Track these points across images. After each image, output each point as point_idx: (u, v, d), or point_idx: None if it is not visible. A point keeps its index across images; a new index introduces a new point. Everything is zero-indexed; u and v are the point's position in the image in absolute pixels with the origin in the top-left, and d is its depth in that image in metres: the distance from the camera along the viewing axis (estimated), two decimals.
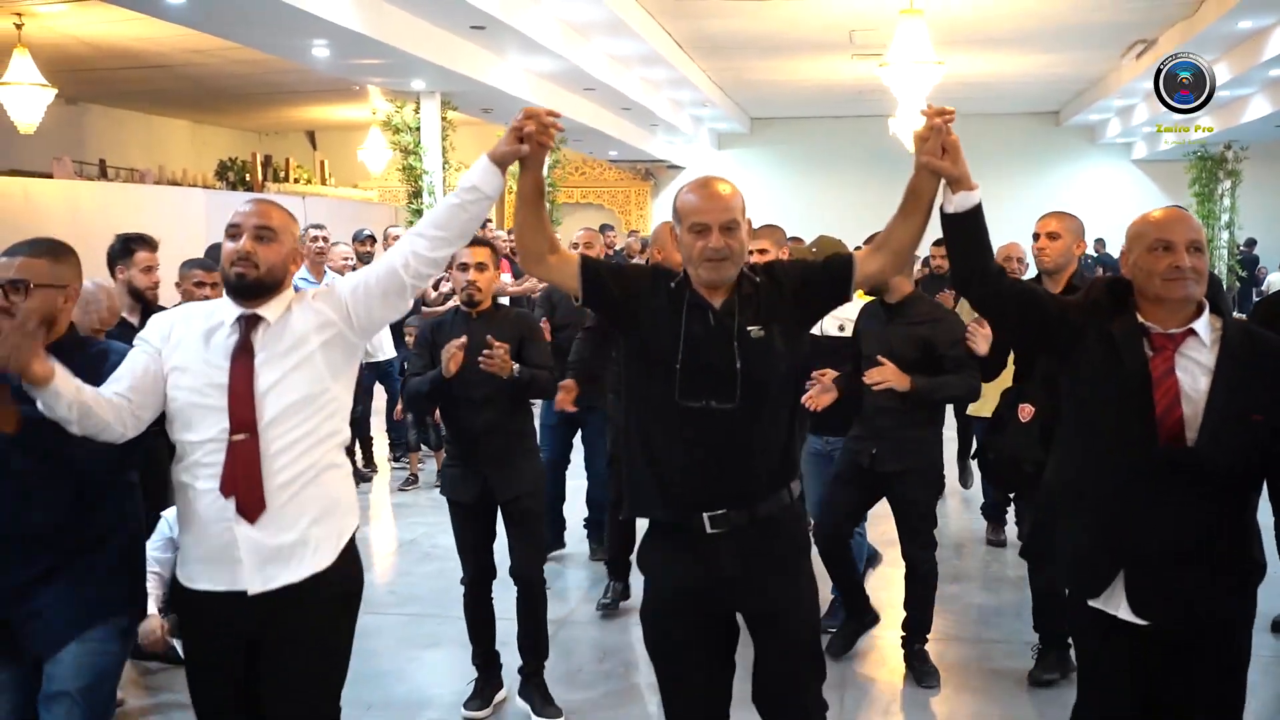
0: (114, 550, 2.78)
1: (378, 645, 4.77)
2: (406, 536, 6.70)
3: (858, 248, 7.09)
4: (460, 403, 4.04)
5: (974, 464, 6.83)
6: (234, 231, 2.65)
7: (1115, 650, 2.72)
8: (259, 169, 17.42)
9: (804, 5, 11.15)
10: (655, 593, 2.91)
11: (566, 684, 4.37)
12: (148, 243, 4.69)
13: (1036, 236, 4.31)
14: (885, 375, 4.12)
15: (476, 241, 3.93)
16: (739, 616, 2.90)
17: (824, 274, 2.86)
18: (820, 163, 20.79)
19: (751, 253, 4.36)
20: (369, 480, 8.02)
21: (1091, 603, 2.72)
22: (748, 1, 10.93)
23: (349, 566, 2.75)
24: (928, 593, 4.53)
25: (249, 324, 2.63)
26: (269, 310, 2.64)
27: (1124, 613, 2.66)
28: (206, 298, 4.88)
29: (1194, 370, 2.61)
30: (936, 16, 10.82)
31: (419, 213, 11.62)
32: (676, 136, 19.04)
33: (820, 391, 4.26)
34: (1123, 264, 2.73)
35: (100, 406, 2.51)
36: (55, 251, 2.72)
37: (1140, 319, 2.67)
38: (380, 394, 8.21)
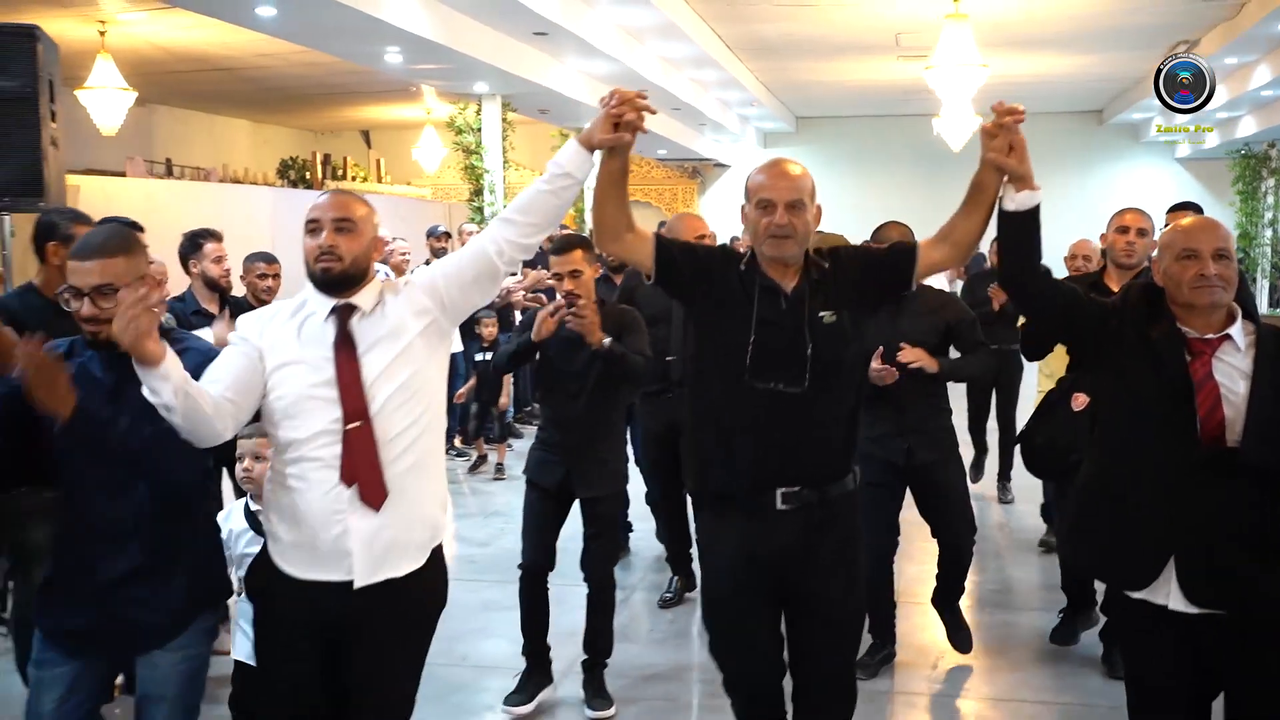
0: (199, 550, 2.77)
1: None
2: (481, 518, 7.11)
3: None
4: (556, 390, 4.14)
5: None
6: (314, 226, 2.62)
7: (1164, 642, 2.71)
8: (318, 167, 17.97)
9: (851, 9, 11.46)
10: (715, 563, 2.98)
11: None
12: (213, 235, 5.01)
13: (1125, 230, 4.30)
14: (919, 356, 4.10)
15: (568, 247, 3.98)
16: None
17: (889, 262, 2.91)
18: (864, 161, 21.04)
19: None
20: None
21: (1136, 595, 2.73)
22: (797, 6, 11.28)
23: (440, 564, 2.78)
24: (967, 566, 4.57)
25: (344, 313, 2.61)
26: (361, 299, 2.62)
27: (1175, 602, 2.66)
28: (270, 289, 5.20)
29: (1232, 374, 2.64)
30: (981, 19, 11.09)
31: (480, 210, 12.08)
32: (723, 135, 19.37)
33: (881, 371, 4.13)
34: (1155, 272, 2.78)
35: (204, 400, 2.47)
36: (126, 245, 2.62)
37: (1178, 325, 2.70)
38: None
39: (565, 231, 4.96)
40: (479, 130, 12.10)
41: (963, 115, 12.35)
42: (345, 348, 2.59)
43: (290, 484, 2.61)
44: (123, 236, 2.67)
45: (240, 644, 3.38)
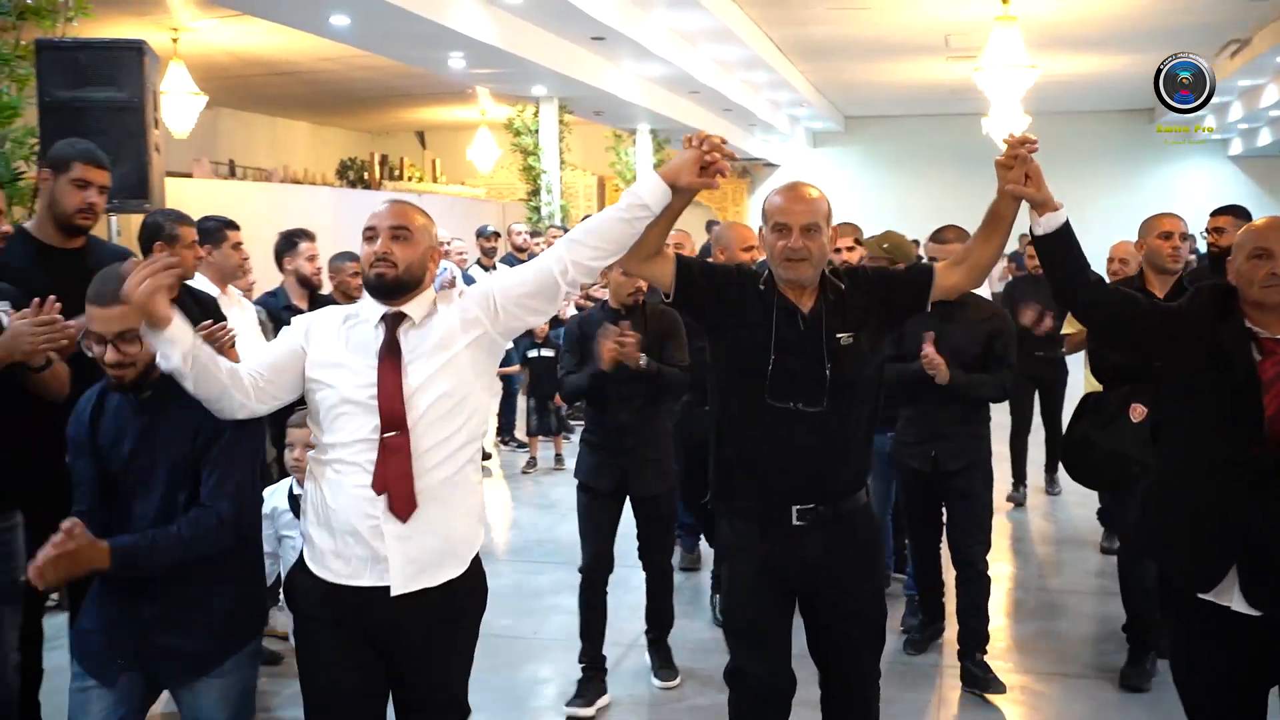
0: (241, 575, 2.76)
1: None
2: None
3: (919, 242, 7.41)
4: (605, 397, 4.16)
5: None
6: (370, 234, 2.62)
7: (1227, 643, 2.72)
8: (376, 168, 18.40)
9: (901, 11, 11.66)
10: (734, 573, 3.01)
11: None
12: (307, 234, 5.25)
13: (1169, 235, 4.28)
14: (937, 365, 4.11)
15: None
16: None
17: (906, 283, 2.97)
18: (913, 160, 21.14)
19: (839, 250, 4.75)
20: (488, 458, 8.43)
21: (1202, 596, 2.72)
22: (849, 10, 11.49)
23: (479, 571, 2.77)
24: (985, 596, 4.38)
25: (394, 322, 2.61)
26: (413, 308, 2.62)
27: (1238, 604, 2.65)
28: (360, 287, 5.51)
29: None
30: (1030, 21, 11.23)
31: (537, 210, 12.41)
32: (773, 135, 19.60)
33: (934, 365, 4.16)
34: (1229, 271, 2.76)
35: (218, 369, 2.50)
36: None
37: (1248, 324, 2.69)
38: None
39: None
40: (536, 132, 12.43)
41: (1012, 114, 12.48)
42: (390, 356, 2.57)
43: (326, 487, 2.61)
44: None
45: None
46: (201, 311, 3.70)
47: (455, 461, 2.63)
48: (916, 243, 6.90)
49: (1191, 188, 20.33)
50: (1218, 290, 2.77)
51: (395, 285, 2.59)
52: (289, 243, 5.17)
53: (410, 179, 18.65)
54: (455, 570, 2.66)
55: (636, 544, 4.36)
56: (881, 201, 19.53)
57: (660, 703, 4.28)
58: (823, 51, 14.14)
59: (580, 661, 4.23)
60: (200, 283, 4.33)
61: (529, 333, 7.90)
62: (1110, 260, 5.80)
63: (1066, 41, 13.15)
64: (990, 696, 4.25)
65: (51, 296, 2.86)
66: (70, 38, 5.05)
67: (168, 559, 2.55)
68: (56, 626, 4.02)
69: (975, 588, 4.34)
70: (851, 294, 2.88)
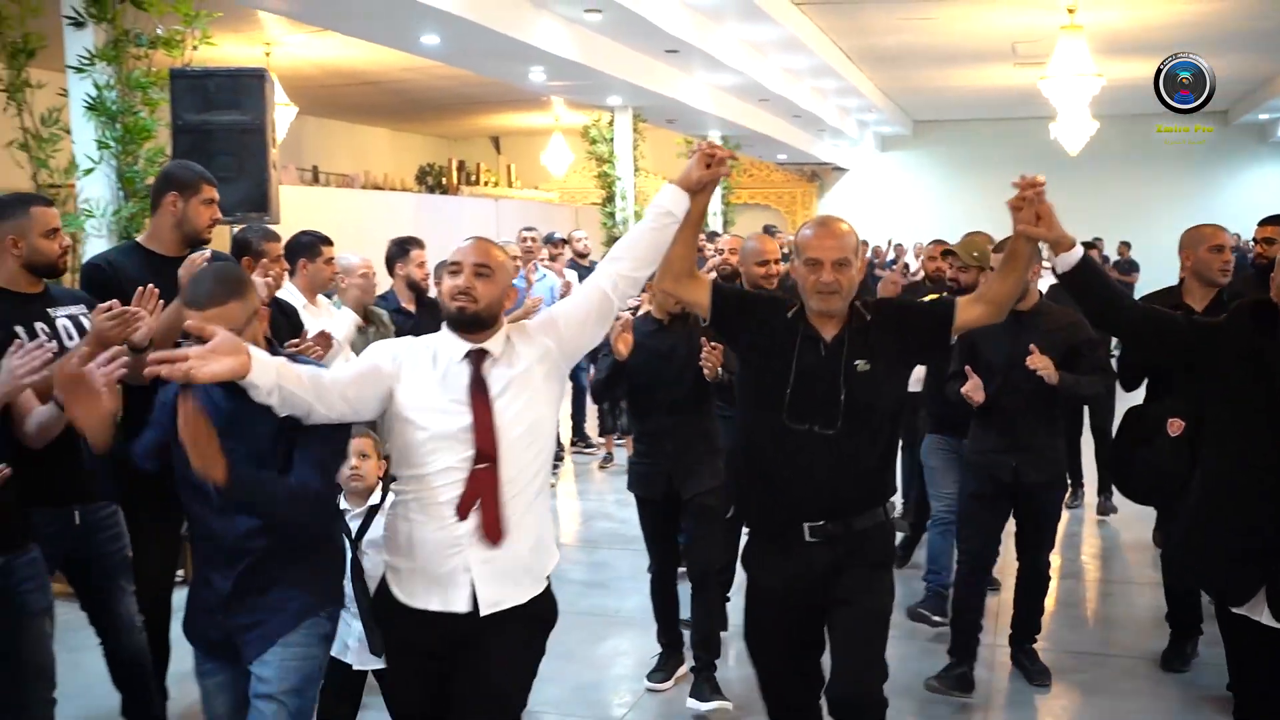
0: (317, 555, 2.85)
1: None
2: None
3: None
4: (648, 404, 4.29)
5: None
6: (455, 268, 2.72)
7: (1262, 655, 2.76)
8: (454, 173, 18.96)
9: (969, 20, 11.86)
10: (755, 588, 3.18)
11: None
12: (418, 243, 5.51)
13: (1221, 249, 4.26)
14: (1047, 365, 4.07)
15: None
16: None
17: (928, 317, 3.10)
18: (981, 164, 21.14)
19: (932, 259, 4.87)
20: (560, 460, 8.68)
21: (1236, 610, 2.78)
22: (917, 20, 11.74)
23: (550, 592, 2.86)
24: (1044, 593, 4.54)
25: (478, 358, 2.71)
26: (493, 344, 2.72)
27: (1266, 618, 2.71)
28: None
29: None
30: (1097, 28, 11.39)
31: (612, 215, 12.84)
32: (841, 140, 19.80)
33: (974, 389, 4.20)
34: (1272, 286, 2.78)
35: (304, 390, 2.56)
36: (234, 288, 2.70)
37: None
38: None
39: None
40: (611, 140, 12.86)
41: (1080, 119, 12.62)
42: (479, 393, 2.68)
43: (413, 516, 2.70)
44: (232, 280, 2.73)
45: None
46: (287, 322, 4.12)
47: (534, 486, 2.76)
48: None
49: (1268, 190, 20.16)
50: (1259, 305, 2.80)
51: (474, 320, 2.69)
52: (401, 250, 5.38)
53: (486, 184, 19.17)
54: (535, 589, 2.78)
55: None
56: (949, 205, 19.68)
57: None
58: (891, 59, 14.37)
59: (659, 641, 4.50)
60: (288, 293, 4.64)
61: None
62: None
63: (1135, 48, 13.21)
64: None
65: (151, 285, 3.27)
66: (200, 67, 5.54)
67: (270, 501, 2.62)
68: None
69: (1036, 586, 4.48)
70: (875, 324, 2.99)
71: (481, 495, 2.66)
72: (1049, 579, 4.55)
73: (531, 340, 2.77)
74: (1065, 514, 6.60)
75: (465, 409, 2.66)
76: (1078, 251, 2.84)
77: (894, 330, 3.01)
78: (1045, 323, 4.23)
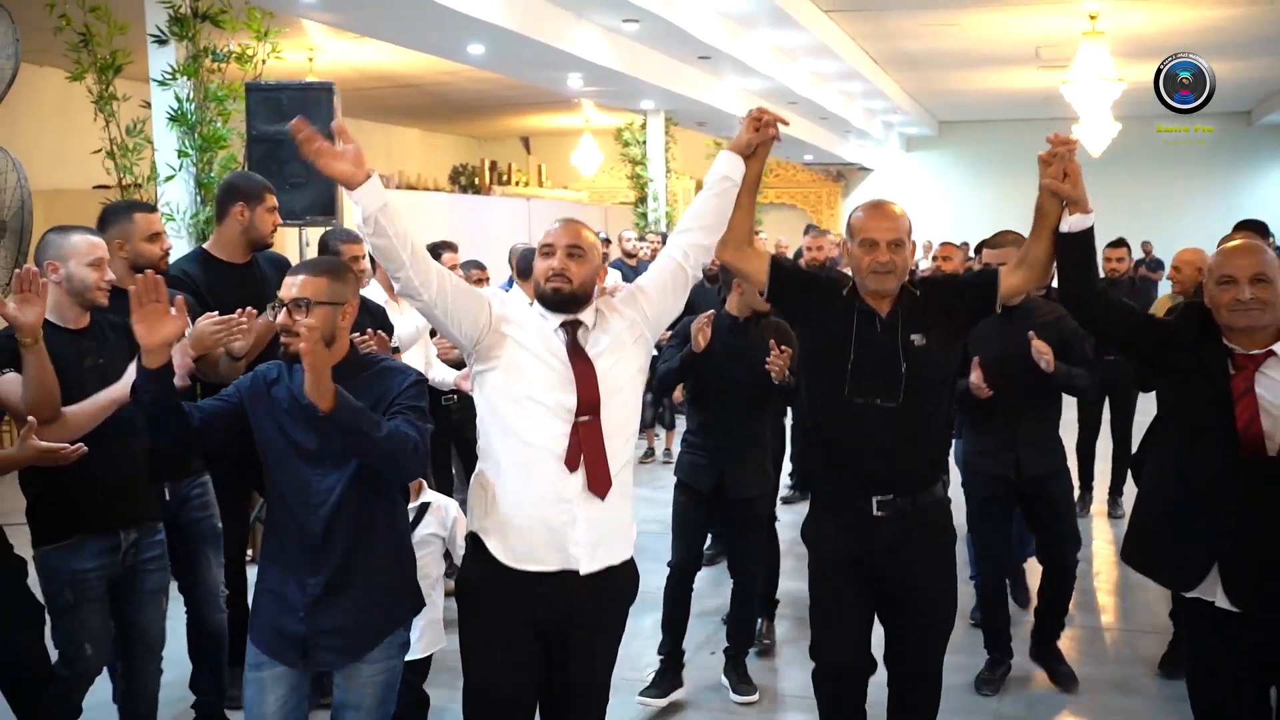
0: (393, 564, 2.85)
1: None
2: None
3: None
4: (709, 398, 4.28)
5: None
6: (548, 250, 2.79)
7: (1218, 638, 2.82)
8: (486, 173, 19.34)
9: (993, 26, 12.09)
10: (819, 560, 3.22)
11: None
12: (450, 246, 5.96)
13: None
14: (1047, 351, 4.09)
15: None
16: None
17: (974, 288, 3.16)
18: (1006, 164, 21.24)
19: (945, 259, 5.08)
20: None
21: (1189, 594, 2.86)
22: (942, 26, 12.04)
23: (632, 559, 2.91)
24: (1070, 591, 4.53)
25: (573, 327, 2.78)
26: (585, 316, 2.80)
27: (1221, 600, 2.77)
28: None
29: (1274, 388, 2.73)
30: (1120, 32, 11.61)
31: (644, 216, 13.20)
32: (867, 141, 20.01)
33: (981, 381, 4.17)
34: (1205, 293, 2.87)
35: (404, 232, 2.60)
36: (334, 271, 2.79)
37: (1225, 342, 2.81)
38: None
39: None
40: (644, 143, 13.23)
41: (1101, 122, 12.87)
42: (578, 352, 2.76)
43: (518, 473, 2.72)
44: (333, 263, 2.91)
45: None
46: (371, 320, 4.22)
47: (627, 449, 2.82)
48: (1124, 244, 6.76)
49: None
50: (1204, 308, 2.87)
51: (570, 299, 2.76)
52: (434, 253, 5.86)
53: (518, 184, 19.52)
54: (626, 552, 2.85)
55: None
56: (975, 204, 19.92)
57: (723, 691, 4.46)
58: (916, 63, 14.64)
59: (660, 653, 4.37)
60: (373, 291, 4.93)
61: None
62: (1176, 269, 5.56)
63: (1157, 51, 13.28)
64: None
65: (251, 309, 3.47)
66: (273, 81, 5.93)
67: (372, 438, 2.58)
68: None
69: (1062, 584, 4.48)
70: (925, 300, 3.08)
71: (586, 447, 2.70)
72: (1074, 576, 4.52)
73: (619, 312, 2.86)
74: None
75: (565, 364, 2.72)
76: (1090, 218, 2.90)
77: (943, 304, 3.09)
78: (1035, 317, 4.24)
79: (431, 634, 3.78)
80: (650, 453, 8.92)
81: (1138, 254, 17.69)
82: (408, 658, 3.04)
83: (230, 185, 4.18)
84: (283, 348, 2.72)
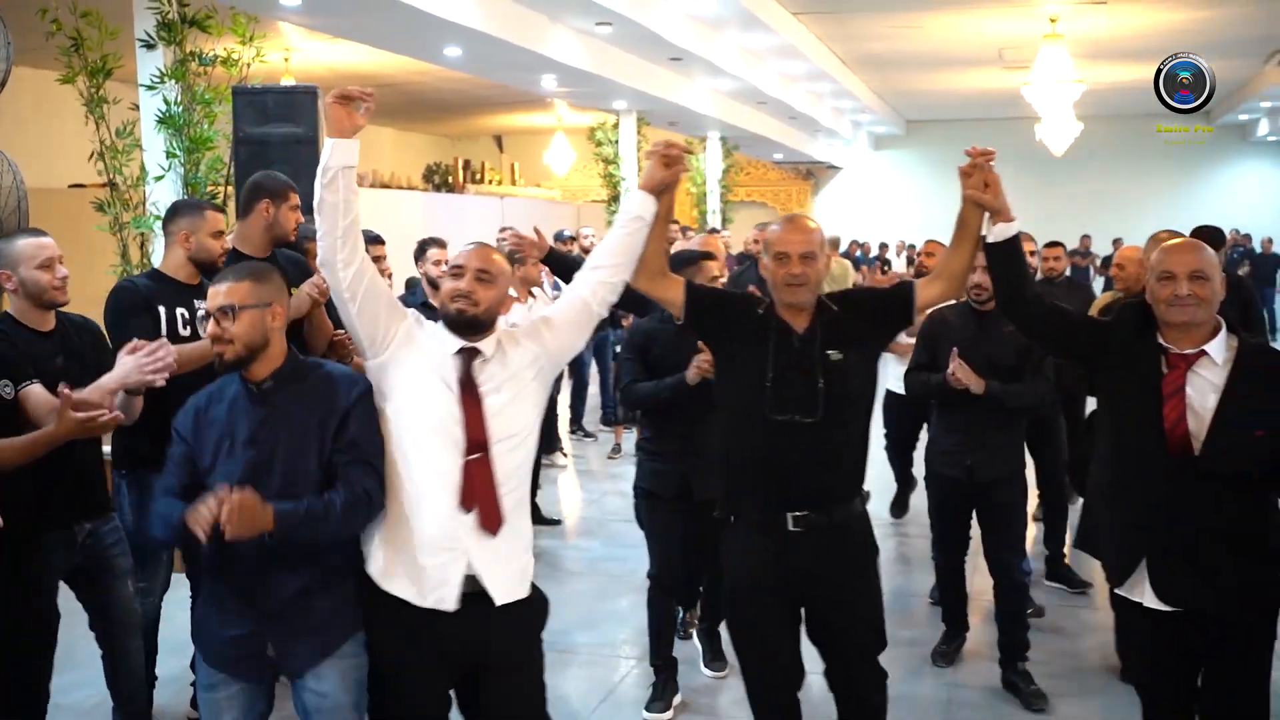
0: (350, 569, 2.79)
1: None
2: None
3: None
4: (671, 404, 4.12)
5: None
6: (458, 271, 2.76)
7: (1150, 634, 2.87)
8: (460, 172, 19.48)
9: (957, 28, 12.37)
10: (734, 580, 3.16)
11: None
12: (437, 242, 5.89)
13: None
14: (968, 377, 4.12)
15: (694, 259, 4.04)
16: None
17: (891, 301, 3.14)
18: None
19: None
20: (566, 456, 8.91)
21: (1118, 591, 2.90)
22: (906, 28, 12.32)
23: (538, 592, 2.89)
24: (1023, 605, 4.46)
25: (469, 356, 2.74)
26: (484, 345, 2.75)
27: (1149, 599, 2.81)
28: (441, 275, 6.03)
29: (1204, 388, 2.75)
30: (1080, 36, 11.96)
31: (616, 214, 13.42)
32: (836, 139, 20.30)
33: (962, 371, 4.18)
34: (1146, 290, 2.88)
35: (351, 206, 2.66)
36: (257, 273, 2.75)
37: (1160, 339, 2.82)
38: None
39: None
40: (616, 143, 13.47)
41: (1063, 122, 13.19)
42: (469, 386, 2.71)
43: (408, 512, 2.70)
44: (255, 267, 2.85)
45: None
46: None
47: (520, 489, 2.80)
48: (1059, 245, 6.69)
49: (1249, 189, 20.81)
50: (1142, 307, 2.90)
51: (473, 322, 2.73)
52: (421, 250, 5.83)
53: (491, 182, 19.68)
54: (525, 588, 2.81)
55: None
56: (941, 201, 20.05)
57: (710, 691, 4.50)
58: (883, 64, 14.93)
59: (653, 664, 4.32)
60: None
61: (620, 326, 8.19)
62: (1120, 266, 5.49)
63: (1116, 53, 13.72)
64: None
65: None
66: (259, 84, 6.11)
67: (323, 529, 2.60)
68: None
69: (1014, 597, 4.39)
70: (843, 315, 3.05)
71: (478, 485, 2.68)
72: (1025, 587, 4.48)
73: (521, 345, 2.83)
74: (1033, 526, 6.39)
75: (456, 401, 2.69)
76: (1015, 226, 2.94)
77: (862, 318, 3.09)
78: (1001, 323, 4.11)
79: None
80: (618, 449, 9.06)
81: (1104, 249, 18.15)
82: None
83: (257, 183, 4.26)
84: (217, 358, 2.68)
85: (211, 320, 2.65)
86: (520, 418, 2.78)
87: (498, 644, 2.75)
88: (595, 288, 2.93)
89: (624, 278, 2.97)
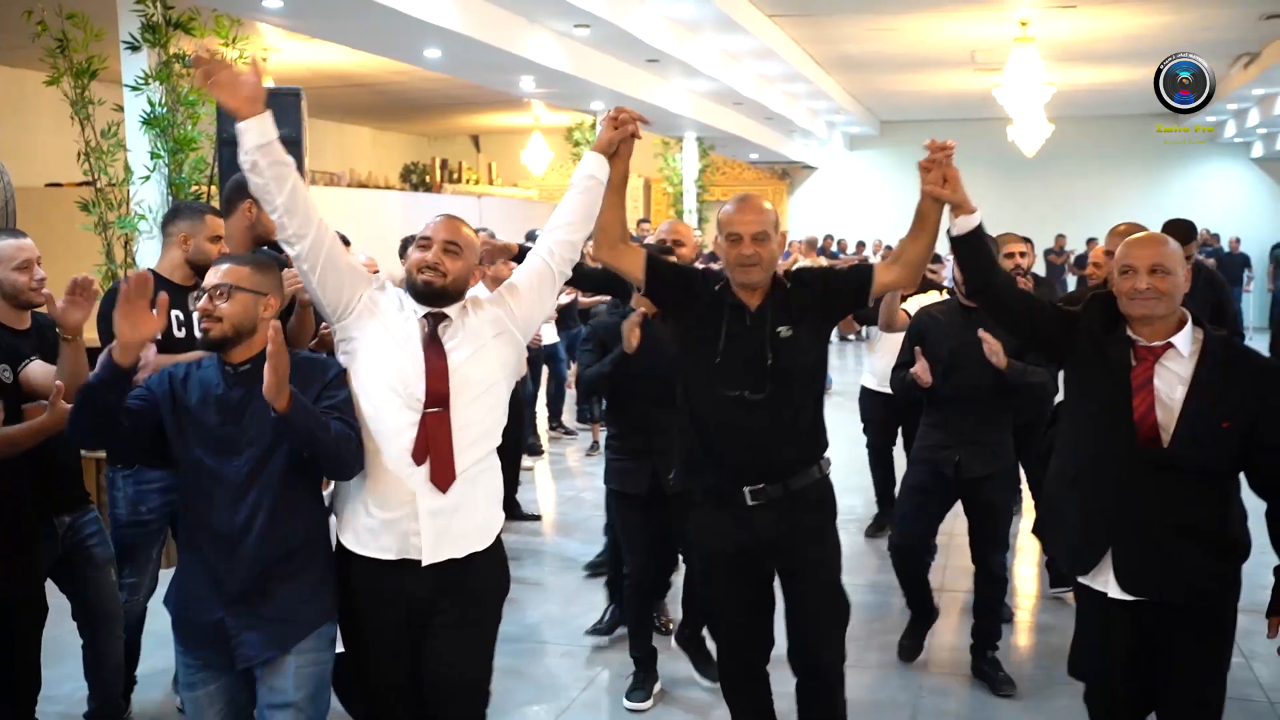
0: (316, 558, 2.79)
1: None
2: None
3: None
4: (632, 397, 4.15)
5: None
6: (425, 243, 2.80)
7: (1108, 623, 2.89)
8: (437, 171, 19.54)
9: (930, 31, 12.51)
10: (704, 553, 3.24)
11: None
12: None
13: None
14: (997, 349, 4.08)
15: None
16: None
17: (850, 280, 3.18)
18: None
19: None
20: (540, 453, 9.06)
21: (1081, 580, 2.93)
22: (881, 30, 12.47)
23: (501, 554, 2.92)
24: (1001, 597, 4.51)
25: (434, 319, 2.80)
26: (451, 311, 2.82)
27: (1113, 589, 2.84)
28: None
29: (1171, 380, 2.79)
30: (1050, 39, 12.12)
31: None
32: (811, 140, 20.44)
33: (923, 370, 4.25)
34: (1112, 285, 2.92)
35: (291, 173, 2.66)
36: (260, 264, 2.80)
37: (1128, 332, 2.86)
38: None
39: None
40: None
41: (1035, 123, 13.38)
42: (433, 343, 2.77)
43: (368, 467, 2.73)
44: (260, 258, 2.96)
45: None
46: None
47: (484, 444, 2.82)
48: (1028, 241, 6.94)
49: (1213, 191, 21.09)
50: (1110, 298, 2.92)
51: (441, 293, 2.79)
52: (403, 247, 6.22)
53: (468, 181, 19.74)
54: (479, 544, 2.81)
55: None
56: (916, 200, 20.27)
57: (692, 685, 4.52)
58: (857, 65, 15.06)
59: (633, 655, 4.34)
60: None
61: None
62: (1098, 265, 5.43)
63: (1086, 56, 13.90)
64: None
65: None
66: None
67: (321, 438, 2.60)
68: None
69: (992, 590, 4.44)
70: (796, 292, 3.11)
71: (434, 440, 2.70)
72: (1004, 581, 4.51)
73: (486, 310, 2.88)
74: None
75: (420, 357, 2.73)
76: (976, 217, 2.97)
77: (815, 295, 3.13)
78: None
79: None
80: (595, 445, 9.18)
81: (1078, 248, 18.37)
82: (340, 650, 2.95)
83: (239, 184, 4.24)
84: (202, 333, 2.72)
85: (205, 296, 2.69)
86: (480, 371, 2.80)
87: (444, 600, 2.76)
88: (554, 247, 2.97)
89: (581, 235, 3.01)
